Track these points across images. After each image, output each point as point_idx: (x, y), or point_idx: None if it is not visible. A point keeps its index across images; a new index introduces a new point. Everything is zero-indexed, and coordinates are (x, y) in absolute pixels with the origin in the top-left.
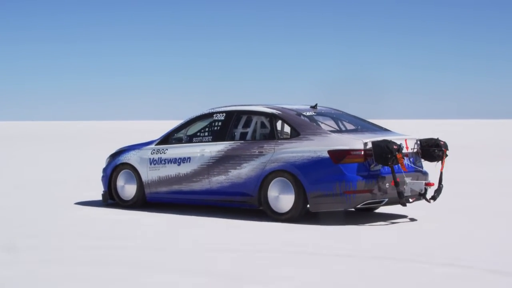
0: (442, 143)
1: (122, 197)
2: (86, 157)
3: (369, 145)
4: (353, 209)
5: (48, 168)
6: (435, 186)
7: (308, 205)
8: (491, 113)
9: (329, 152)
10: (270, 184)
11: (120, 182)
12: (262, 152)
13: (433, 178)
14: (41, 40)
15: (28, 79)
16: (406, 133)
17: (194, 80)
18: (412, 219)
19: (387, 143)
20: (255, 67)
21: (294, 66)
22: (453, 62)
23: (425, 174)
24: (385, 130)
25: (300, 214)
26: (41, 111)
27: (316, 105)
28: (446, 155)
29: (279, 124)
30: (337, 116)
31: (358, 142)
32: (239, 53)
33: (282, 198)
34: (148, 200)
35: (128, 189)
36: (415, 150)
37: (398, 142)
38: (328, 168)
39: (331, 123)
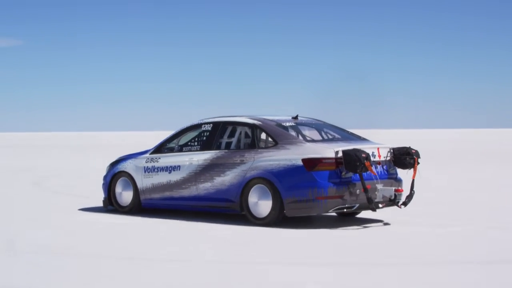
0: (414, 151)
1: (120, 203)
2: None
3: (340, 154)
4: (334, 214)
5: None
6: (407, 192)
7: (284, 211)
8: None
9: (303, 160)
10: (251, 191)
11: (118, 189)
12: (243, 160)
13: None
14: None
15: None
16: (382, 142)
17: (196, 88)
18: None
19: (356, 152)
20: (251, 74)
21: (291, 73)
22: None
23: (399, 181)
24: (361, 139)
25: (278, 219)
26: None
27: (297, 116)
28: (418, 163)
29: (263, 134)
30: (317, 126)
31: (329, 150)
32: (238, 60)
33: (261, 204)
34: (143, 206)
35: (125, 196)
36: (388, 158)
37: (367, 151)
38: (302, 175)
39: (310, 132)
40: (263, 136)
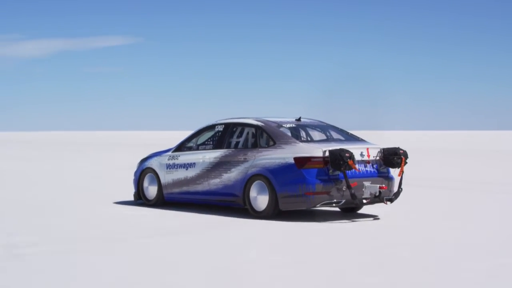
0: (402, 151)
1: (147, 197)
2: None
3: (327, 153)
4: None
5: None
6: (390, 190)
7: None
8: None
9: (295, 158)
10: (252, 186)
11: (145, 184)
12: (246, 158)
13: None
14: None
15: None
16: (375, 143)
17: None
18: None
19: (340, 151)
20: (266, 74)
21: (301, 72)
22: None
23: (390, 179)
24: (355, 140)
25: (274, 212)
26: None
27: (300, 118)
28: (406, 163)
29: (265, 135)
30: (316, 128)
31: (318, 150)
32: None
33: (259, 198)
34: (166, 200)
35: (151, 190)
36: (377, 157)
37: (354, 151)
38: (293, 172)
39: (308, 133)
40: (265, 136)
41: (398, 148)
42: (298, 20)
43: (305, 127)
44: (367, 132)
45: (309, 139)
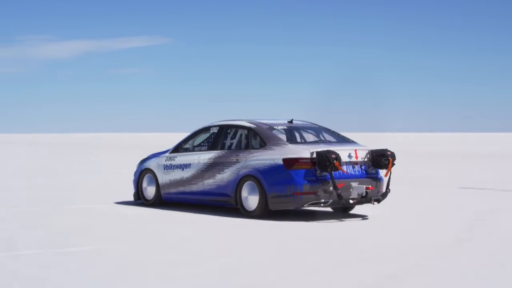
0: (389, 153)
1: (146, 197)
2: None
3: (315, 155)
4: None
5: None
6: (378, 190)
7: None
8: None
9: (283, 160)
10: (243, 187)
11: (144, 184)
12: (238, 159)
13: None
14: None
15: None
16: (364, 144)
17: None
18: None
19: (327, 153)
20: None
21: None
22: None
23: (378, 180)
24: (345, 141)
25: (264, 212)
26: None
27: (292, 120)
28: (393, 164)
29: (256, 136)
30: (309, 129)
31: (306, 151)
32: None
33: (250, 198)
34: (163, 200)
35: (149, 190)
36: (365, 159)
37: (341, 152)
38: (282, 173)
39: (299, 135)
40: (257, 138)
41: (386, 150)
42: (299, 22)
43: (297, 129)
44: (373, 134)
45: (300, 140)
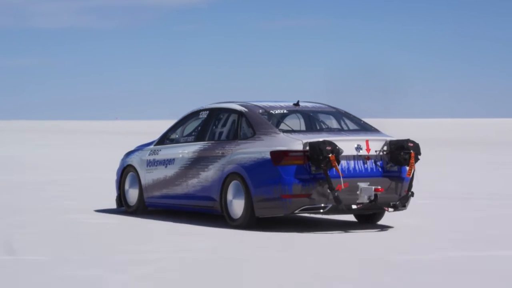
0: (411, 145)
1: (128, 202)
2: None
3: (308, 146)
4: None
5: None
6: (398, 193)
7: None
8: None
9: (271, 153)
10: (228, 188)
11: (126, 186)
12: (223, 153)
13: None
14: None
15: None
16: (385, 133)
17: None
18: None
19: (320, 144)
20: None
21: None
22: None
23: (401, 179)
24: (363, 130)
25: (251, 221)
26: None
27: (298, 101)
28: (417, 159)
29: (246, 123)
30: (317, 113)
31: (297, 142)
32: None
33: (235, 203)
34: (147, 206)
35: (131, 194)
36: (382, 152)
37: (340, 143)
38: (269, 170)
39: (306, 121)
40: (246, 125)
41: (407, 141)
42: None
43: (302, 113)
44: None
45: (294, 129)
